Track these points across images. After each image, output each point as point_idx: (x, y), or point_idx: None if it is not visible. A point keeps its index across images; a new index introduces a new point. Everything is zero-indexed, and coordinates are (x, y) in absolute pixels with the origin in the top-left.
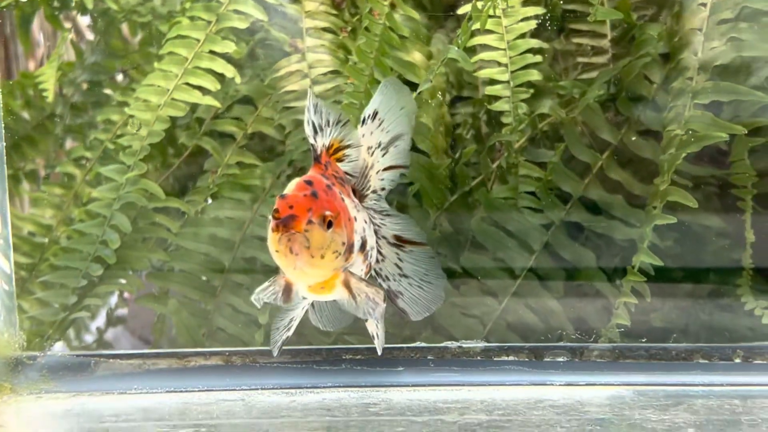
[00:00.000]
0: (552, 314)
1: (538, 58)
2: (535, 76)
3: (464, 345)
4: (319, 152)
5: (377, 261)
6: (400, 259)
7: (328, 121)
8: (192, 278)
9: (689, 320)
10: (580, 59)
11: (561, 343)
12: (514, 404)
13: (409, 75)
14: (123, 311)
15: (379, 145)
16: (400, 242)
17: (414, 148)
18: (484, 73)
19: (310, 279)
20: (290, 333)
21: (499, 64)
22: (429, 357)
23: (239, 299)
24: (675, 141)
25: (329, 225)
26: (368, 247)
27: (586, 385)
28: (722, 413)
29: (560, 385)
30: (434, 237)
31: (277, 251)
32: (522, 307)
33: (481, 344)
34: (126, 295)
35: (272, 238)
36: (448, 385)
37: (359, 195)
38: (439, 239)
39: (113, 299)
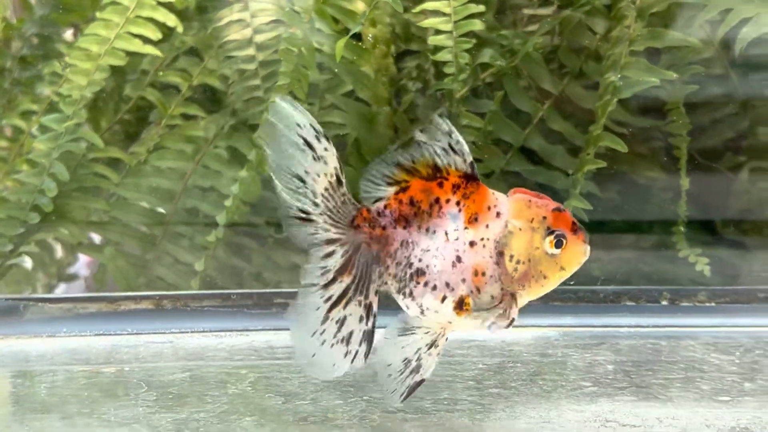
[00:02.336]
0: None
1: (481, 8)
2: (478, 26)
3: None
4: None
5: None
6: None
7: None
8: (131, 228)
9: (630, 271)
10: (527, 11)
11: None
12: (457, 345)
13: (350, 24)
14: (79, 267)
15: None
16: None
17: (354, 97)
18: (428, 23)
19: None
20: (426, 375)
21: (443, 14)
22: None
23: (179, 248)
24: (609, 88)
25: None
26: None
27: (514, 326)
28: (644, 352)
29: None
30: None
31: (579, 263)
32: None
33: None
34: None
35: (580, 250)
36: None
37: None
38: None
39: (59, 252)
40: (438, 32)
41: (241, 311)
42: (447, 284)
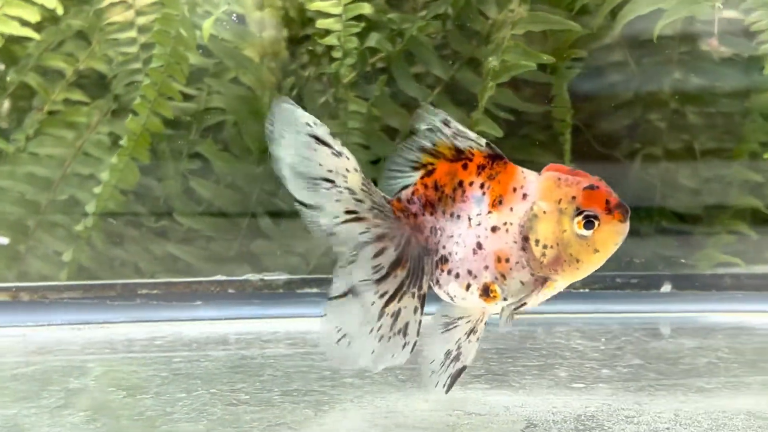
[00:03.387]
0: None
1: None
2: (366, 9)
3: (266, 277)
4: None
5: None
6: None
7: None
8: (4, 218)
9: None
10: None
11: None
12: (307, 336)
13: (236, 6)
14: None
15: None
16: None
17: (237, 83)
18: (316, 6)
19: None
20: (468, 362)
21: None
22: (230, 290)
23: (53, 239)
24: (490, 72)
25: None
26: None
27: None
28: (512, 339)
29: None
30: (259, 174)
31: (615, 244)
32: None
33: (284, 276)
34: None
35: (614, 230)
36: (248, 318)
37: None
38: (266, 176)
39: None
40: (327, 16)
41: (103, 303)
42: (469, 272)
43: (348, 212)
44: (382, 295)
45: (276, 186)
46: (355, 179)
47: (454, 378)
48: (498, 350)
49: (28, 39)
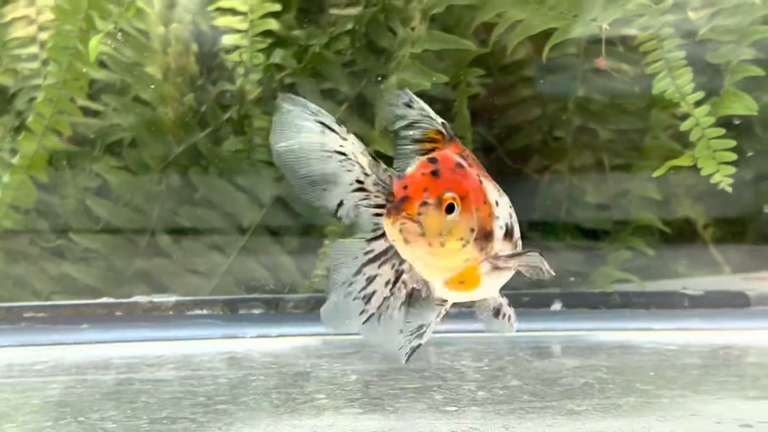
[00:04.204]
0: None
1: (277, 6)
2: (273, 25)
3: (155, 299)
4: (450, 131)
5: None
6: None
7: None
8: None
9: None
10: (334, 11)
11: (256, 296)
12: (192, 359)
13: (137, 22)
14: None
15: None
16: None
17: (136, 99)
18: (222, 22)
19: (438, 272)
20: (422, 341)
21: (239, 12)
22: (117, 313)
23: None
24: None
25: (450, 208)
26: (515, 237)
27: (279, 336)
28: (396, 361)
29: (253, 337)
30: (159, 191)
31: (394, 240)
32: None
33: (173, 298)
34: None
35: (387, 226)
36: (135, 341)
37: None
38: (164, 194)
39: None
40: (235, 31)
41: None
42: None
43: (357, 182)
44: (366, 253)
45: (181, 204)
46: (364, 158)
47: (412, 351)
48: (379, 372)
49: None
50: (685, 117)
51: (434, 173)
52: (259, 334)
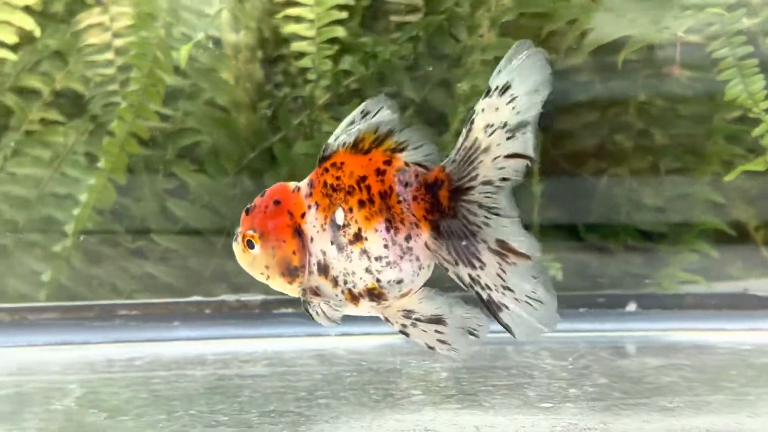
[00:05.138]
0: None
1: (344, 14)
2: (340, 32)
3: (242, 298)
4: (325, 153)
5: (474, 267)
6: (502, 270)
7: (356, 117)
8: None
9: None
10: (394, 18)
11: None
12: (283, 355)
13: (210, 29)
14: None
15: (504, 126)
16: (503, 250)
17: (212, 104)
18: (290, 29)
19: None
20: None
21: (306, 20)
22: (206, 311)
23: (32, 258)
24: (462, 96)
25: (250, 245)
26: (335, 273)
27: (361, 334)
28: (482, 359)
29: (338, 335)
30: (233, 195)
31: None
32: None
33: (260, 297)
34: None
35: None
36: (225, 338)
37: (456, 188)
38: (239, 196)
39: None
40: (301, 38)
41: (82, 323)
42: None
43: None
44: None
45: None
46: None
47: None
48: (469, 369)
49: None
50: (745, 120)
51: (247, 210)
52: (343, 332)
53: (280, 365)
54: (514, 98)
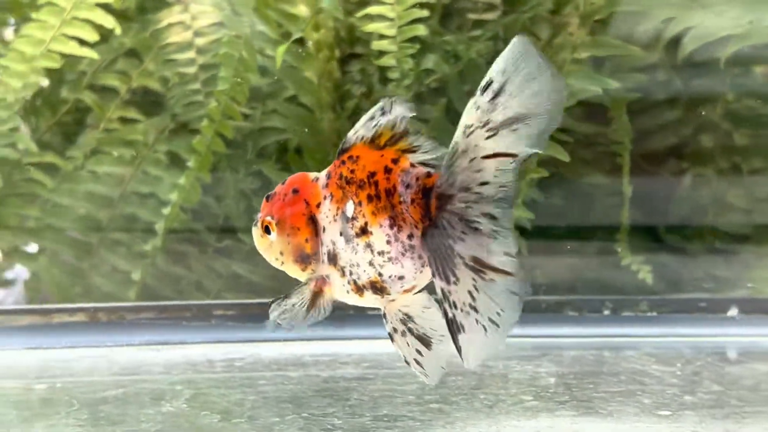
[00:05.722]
0: None
1: (425, 12)
2: (421, 31)
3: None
4: (344, 146)
5: (448, 282)
6: (475, 288)
7: (376, 113)
8: (66, 236)
9: (571, 276)
10: (471, 15)
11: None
12: (382, 358)
13: (292, 28)
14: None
15: (485, 125)
16: (479, 266)
17: (297, 103)
18: (371, 28)
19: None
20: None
21: (387, 18)
22: None
23: (116, 257)
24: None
25: (267, 230)
26: (343, 263)
27: None
28: (587, 364)
29: None
30: None
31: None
32: None
33: None
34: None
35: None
36: (320, 339)
37: (440, 196)
38: None
39: None
40: (381, 37)
41: (179, 323)
42: None
43: None
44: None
45: None
46: None
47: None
48: (576, 375)
49: (81, 57)
50: None
51: (267, 197)
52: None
53: (381, 367)
54: (497, 94)
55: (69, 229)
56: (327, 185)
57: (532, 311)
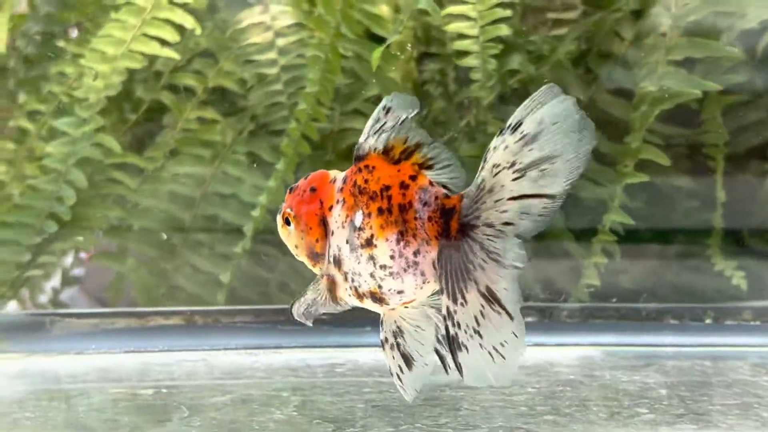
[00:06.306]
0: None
1: (508, 12)
2: (504, 31)
3: None
4: (359, 152)
5: (456, 302)
6: (482, 314)
7: (387, 123)
8: (150, 236)
9: (657, 281)
10: (551, 15)
11: (529, 303)
12: None
13: (376, 28)
14: (79, 271)
15: (512, 165)
16: (491, 296)
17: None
18: (453, 28)
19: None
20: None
21: (468, 18)
22: None
23: (200, 258)
24: (648, 98)
25: (287, 222)
26: (346, 269)
27: (556, 345)
28: (693, 374)
29: (529, 345)
30: None
31: None
32: None
33: None
34: (82, 254)
35: None
36: None
37: (463, 223)
38: None
39: (68, 259)
40: (462, 36)
41: (274, 327)
42: None
43: None
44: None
45: None
46: None
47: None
48: (686, 386)
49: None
50: None
51: (290, 189)
52: (535, 343)
53: None
54: (524, 135)
55: (152, 230)
56: (341, 189)
57: (632, 319)
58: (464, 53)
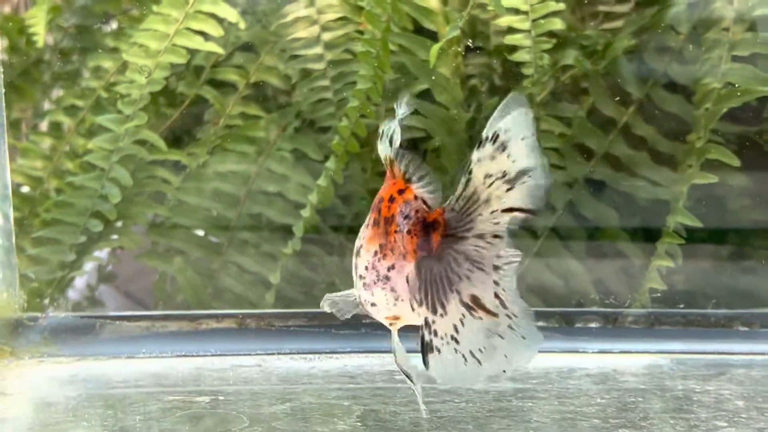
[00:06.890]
0: (573, 276)
1: (561, 5)
2: (557, 25)
3: None
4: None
5: (435, 312)
6: (462, 322)
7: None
8: (195, 235)
9: (711, 282)
10: (602, 8)
11: (593, 309)
12: (545, 372)
13: (426, 22)
14: (112, 268)
15: (504, 176)
16: (474, 304)
17: (432, 101)
18: (504, 21)
19: None
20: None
21: (520, 11)
22: None
23: (245, 257)
24: (712, 95)
25: None
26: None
27: (621, 352)
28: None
29: (593, 352)
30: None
31: None
32: (543, 269)
33: None
34: (118, 251)
35: None
36: None
37: (449, 235)
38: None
39: (103, 255)
40: (513, 30)
41: (328, 331)
42: None
43: None
44: None
45: None
46: None
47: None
48: (764, 398)
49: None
50: None
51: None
52: (600, 350)
53: (549, 383)
54: (505, 145)
55: (197, 228)
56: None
57: (699, 326)
58: (515, 48)
